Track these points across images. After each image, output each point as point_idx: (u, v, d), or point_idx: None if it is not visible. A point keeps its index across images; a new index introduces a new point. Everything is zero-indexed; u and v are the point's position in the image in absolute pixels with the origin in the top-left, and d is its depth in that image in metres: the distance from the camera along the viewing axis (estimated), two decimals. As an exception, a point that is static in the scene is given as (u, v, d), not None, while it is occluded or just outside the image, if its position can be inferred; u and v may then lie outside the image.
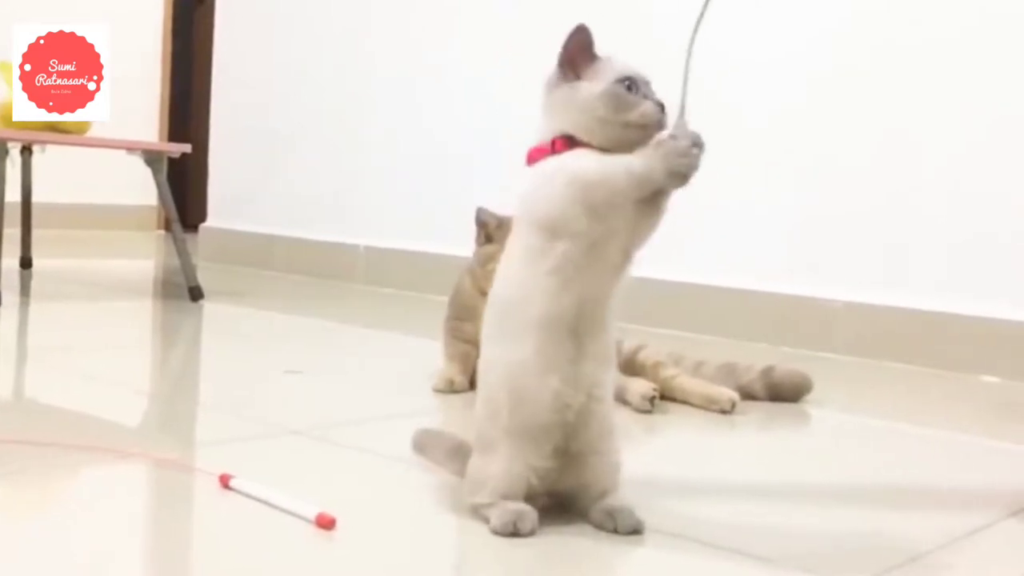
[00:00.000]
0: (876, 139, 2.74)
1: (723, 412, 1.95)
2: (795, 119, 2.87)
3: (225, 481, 1.29)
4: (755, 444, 1.88)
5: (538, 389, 1.17)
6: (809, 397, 2.10)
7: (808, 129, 2.83)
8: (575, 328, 1.17)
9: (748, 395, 2.07)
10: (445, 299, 2.15)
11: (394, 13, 3.82)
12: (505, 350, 1.19)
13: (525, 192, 1.19)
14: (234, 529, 1.20)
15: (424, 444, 1.47)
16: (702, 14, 1.19)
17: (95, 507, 1.28)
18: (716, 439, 1.89)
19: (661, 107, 1.17)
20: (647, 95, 1.18)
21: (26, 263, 3.63)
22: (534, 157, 1.20)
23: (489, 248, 1.98)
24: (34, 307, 3.03)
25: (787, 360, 2.34)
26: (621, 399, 1.93)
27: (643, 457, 1.60)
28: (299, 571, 1.08)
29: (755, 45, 2.90)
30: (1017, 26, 2.54)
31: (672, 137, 1.14)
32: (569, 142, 1.17)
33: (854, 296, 2.74)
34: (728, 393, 1.98)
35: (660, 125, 1.17)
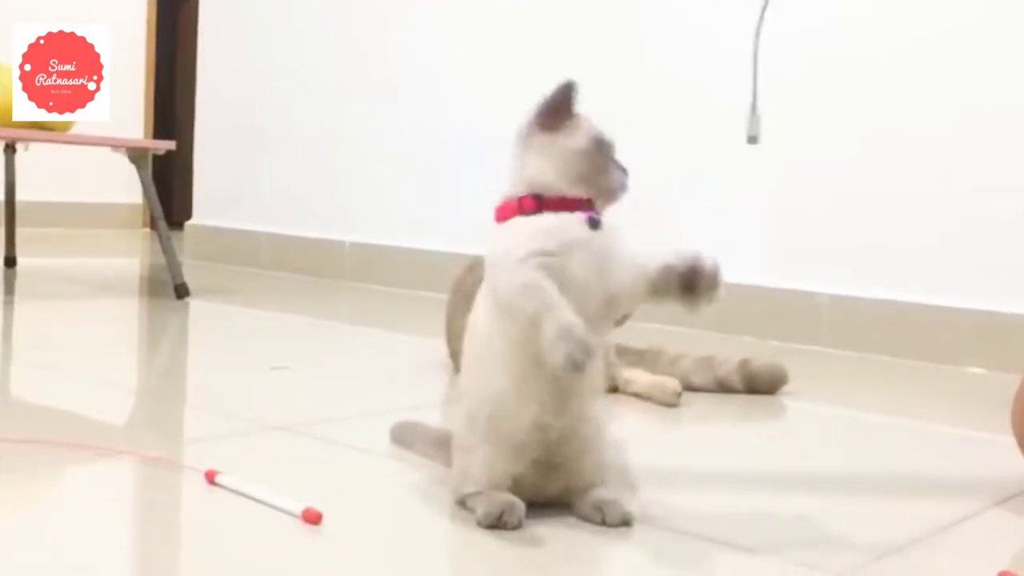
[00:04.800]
0: (862, 132, 2.75)
1: (669, 406, 1.96)
2: (781, 111, 2.87)
3: (211, 477, 1.29)
4: (733, 436, 1.89)
5: (517, 416, 1.17)
6: (789, 389, 2.11)
7: (793, 122, 2.83)
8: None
9: (726, 387, 2.08)
10: (431, 295, 2.15)
11: (378, 10, 3.82)
12: (486, 379, 1.19)
13: (488, 253, 1.19)
14: (221, 525, 1.20)
15: (407, 437, 1.47)
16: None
17: (82, 505, 1.28)
18: (695, 431, 1.90)
19: (626, 173, 1.22)
20: (614, 160, 1.22)
21: (10, 262, 3.61)
22: (502, 214, 1.20)
23: None
24: (19, 306, 3.02)
25: (772, 353, 2.35)
26: (645, 395, 1.96)
27: (625, 449, 1.60)
28: (286, 566, 1.08)
29: (738, 36, 2.90)
30: (1003, 20, 2.55)
31: (570, 337, 1.07)
32: (536, 201, 1.18)
33: (839, 289, 2.75)
34: (671, 383, 1.99)
35: (624, 190, 1.21)
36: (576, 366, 1.05)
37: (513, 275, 1.12)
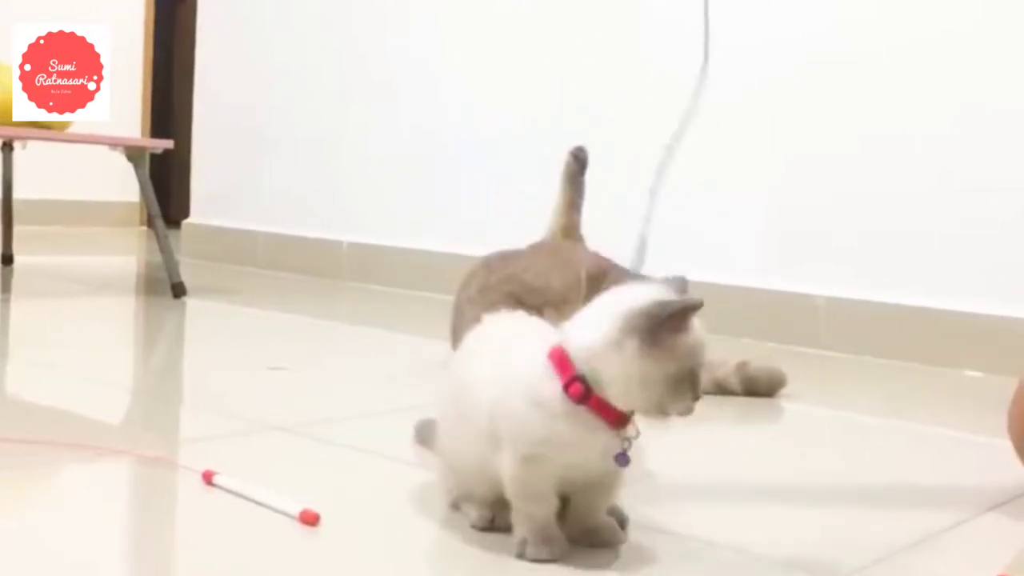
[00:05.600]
0: (859, 135, 2.75)
1: None
2: (780, 111, 2.87)
3: (208, 478, 1.29)
4: (732, 439, 1.89)
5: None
6: (786, 392, 2.11)
7: (792, 122, 2.84)
8: None
9: (724, 390, 2.08)
10: (430, 295, 2.15)
11: (377, 10, 3.81)
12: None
13: (511, 373, 1.10)
14: (218, 526, 1.20)
15: (431, 435, 1.46)
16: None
17: (78, 504, 1.28)
18: (692, 434, 1.90)
19: (697, 399, 1.08)
20: (695, 387, 1.07)
21: (7, 259, 3.61)
22: (553, 356, 1.08)
23: None
24: (15, 304, 3.01)
25: (769, 355, 2.35)
26: None
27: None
28: (283, 567, 1.08)
29: (734, 38, 2.90)
30: (1003, 20, 2.55)
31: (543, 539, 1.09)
32: (583, 393, 1.05)
33: (836, 291, 2.75)
34: None
35: (690, 414, 1.08)
36: (539, 558, 1.09)
37: (521, 470, 1.08)
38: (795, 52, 2.81)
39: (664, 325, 1.03)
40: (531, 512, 1.11)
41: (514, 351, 1.12)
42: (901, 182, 2.68)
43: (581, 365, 1.05)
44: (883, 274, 2.71)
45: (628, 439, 1.08)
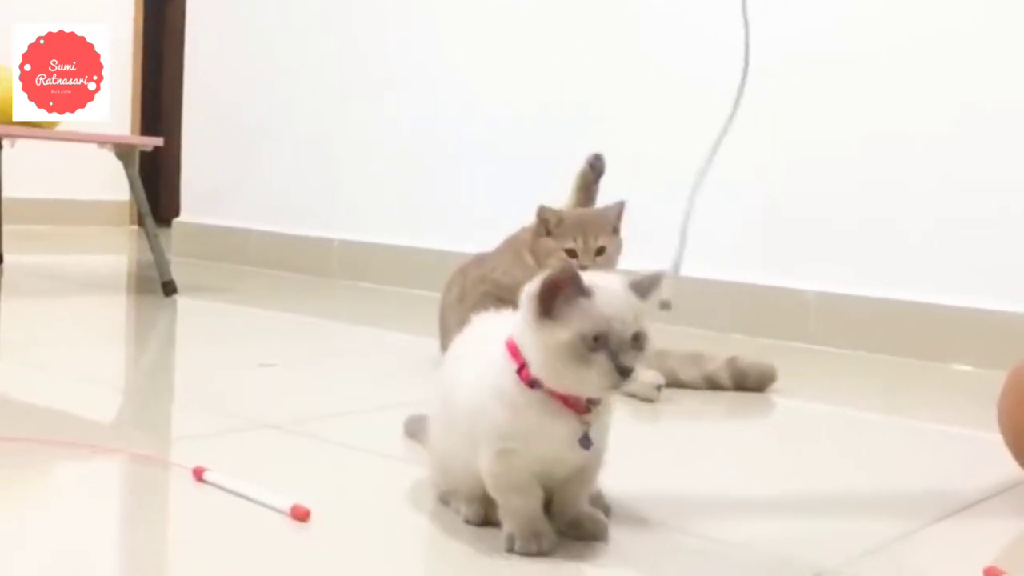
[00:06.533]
0: (851, 131, 2.75)
1: (648, 401, 1.95)
2: (769, 110, 2.88)
3: (199, 474, 1.29)
4: (722, 433, 1.89)
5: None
6: (777, 387, 2.12)
7: (781, 120, 2.84)
8: None
9: (714, 384, 2.08)
10: (421, 293, 2.15)
11: (371, 7, 3.81)
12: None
13: (480, 374, 1.12)
14: (209, 522, 1.20)
15: (421, 431, 1.46)
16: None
17: (70, 503, 1.28)
18: (683, 428, 1.90)
19: (626, 371, 1.04)
20: (618, 351, 1.04)
21: (-3, 259, 3.60)
22: (508, 347, 1.10)
23: (549, 243, 1.96)
24: (5, 303, 3.01)
25: (760, 350, 2.35)
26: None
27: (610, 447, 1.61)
28: (274, 563, 1.08)
29: (728, 32, 2.90)
30: (1003, 20, 2.56)
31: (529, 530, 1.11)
32: (532, 384, 1.08)
33: (827, 286, 2.76)
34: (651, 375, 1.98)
35: (616, 388, 1.05)
36: (528, 552, 1.10)
37: (497, 464, 1.10)
38: (797, 53, 2.82)
39: (549, 294, 1.05)
40: (515, 507, 1.12)
41: (485, 351, 1.14)
42: (893, 179, 2.69)
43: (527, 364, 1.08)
44: (873, 269, 2.72)
45: (588, 423, 1.09)
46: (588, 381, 1.05)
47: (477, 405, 1.11)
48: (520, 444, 1.09)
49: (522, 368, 1.08)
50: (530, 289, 1.07)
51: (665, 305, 1.29)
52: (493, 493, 1.13)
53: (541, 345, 1.05)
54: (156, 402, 1.92)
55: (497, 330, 1.14)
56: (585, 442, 1.09)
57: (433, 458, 1.26)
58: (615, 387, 1.05)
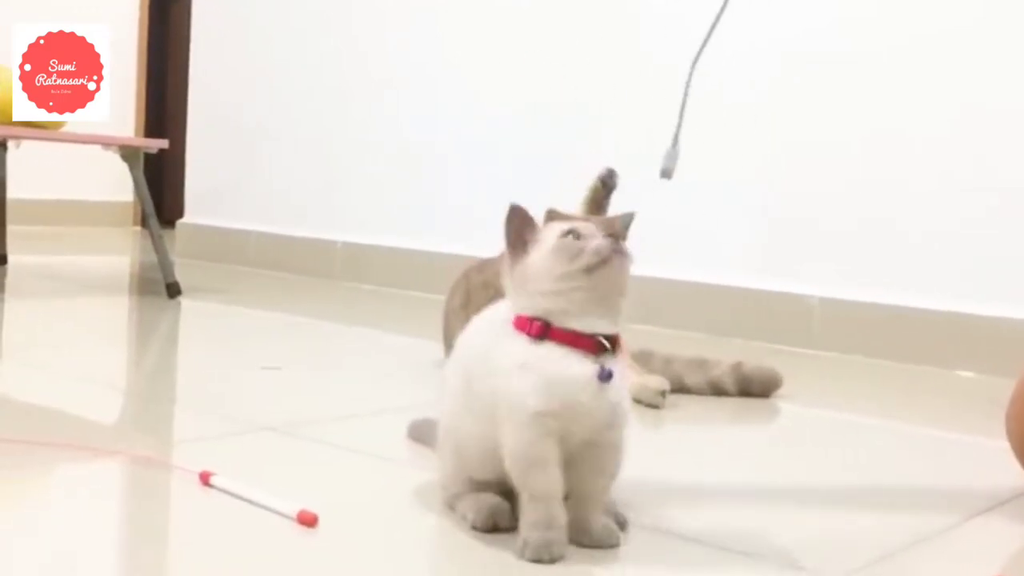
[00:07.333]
0: (853, 136, 2.75)
1: (653, 407, 1.94)
2: (776, 113, 2.87)
3: (206, 479, 1.28)
4: (727, 439, 1.89)
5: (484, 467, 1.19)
6: (781, 392, 2.11)
7: (791, 121, 2.84)
8: None
9: (719, 390, 2.08)
10: (424, 295, 2.14)
11: (372, 9, 3.81)
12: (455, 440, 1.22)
13: (488, 354, 1.15)
14: (214, 526, 1.20)
15: (426, 435, 1.45)
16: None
17: (72, 506, 1.27)
18: (686, 434, 1.90)
19: (613, 239, 1.12)
20: (594, 236, 1.13)
21: (1, 259, 3.60)
22: (513, 322, 1.15)
23: None
24: (9, 304, 3.01)
25: (763, 356, 2.35)
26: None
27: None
28: (277, 566, 1.08)
29: (730, 37, 2.90)
30: (1003, 20, 2.56)
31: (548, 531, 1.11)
32: (543, 326, 1.12)
33: (830, 292, 2.75)
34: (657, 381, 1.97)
35: (620, 252, 1.12)
36: (539, 560, 1.10)
37: (521, 435, 1.11)
38: (795, 52, 2.81)
39: (512, 234, 1.15)
40: (536, 487, 1.11)
41: (495, 331, 1.17)
42: (898, 183, 2.68)
43: (530, 312, 1.13)
44: (877, 274, 2.71)
45: (603, 363, 1.12)
46: (585, 259, 1.10)
47: (498, 384, 1.12)
48: (545, 403, 1.09)
49: (529, 325, 1.12)
50: (503, 240, 1.15)
51: (666, 173, 1.39)
52: (514, 473, 1.12)
53: (534, 271, 1.12)
54: (159, 404, 1.91)
55: (501, 315, 1.17)
56: (604, 375, 1.11)
57: (442, 460, 1.25)
58: (614, 250, 1.11)
